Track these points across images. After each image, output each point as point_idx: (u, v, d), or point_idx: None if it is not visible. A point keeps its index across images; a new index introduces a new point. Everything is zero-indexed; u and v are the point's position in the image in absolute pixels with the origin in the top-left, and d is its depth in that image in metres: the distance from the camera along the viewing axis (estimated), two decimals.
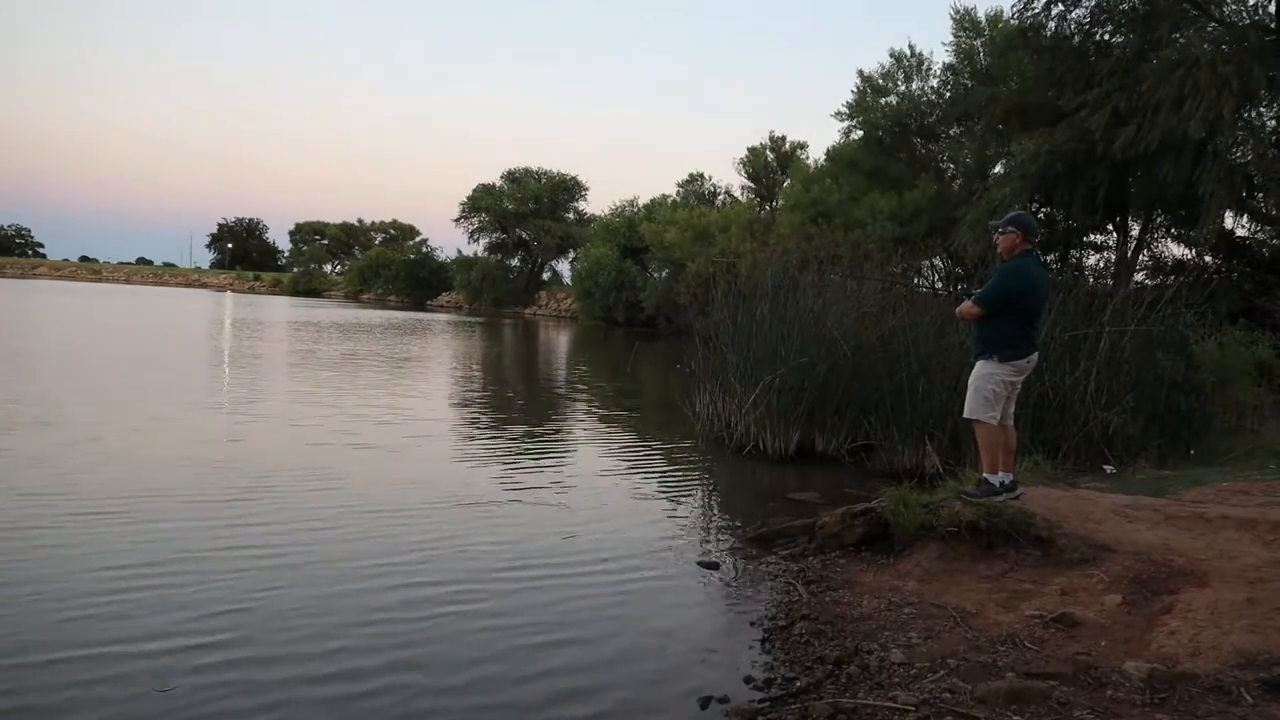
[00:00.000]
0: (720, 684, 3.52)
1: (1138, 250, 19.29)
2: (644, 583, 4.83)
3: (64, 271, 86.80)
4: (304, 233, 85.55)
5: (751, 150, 36.16)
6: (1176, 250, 20.07)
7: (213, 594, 4.31)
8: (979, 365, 4.95)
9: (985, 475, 4.96)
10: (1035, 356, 5.08)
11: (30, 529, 5.20)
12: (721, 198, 40.37)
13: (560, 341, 31.18)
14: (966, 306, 5.01)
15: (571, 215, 56.39)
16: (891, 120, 24.67)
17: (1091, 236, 21.24)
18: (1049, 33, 17.34)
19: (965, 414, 4.99)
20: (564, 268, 54.42)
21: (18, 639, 3.69)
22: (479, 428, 10.45)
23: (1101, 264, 21.41)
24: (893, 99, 24.91)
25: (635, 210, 43.46)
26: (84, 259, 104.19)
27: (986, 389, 4.88)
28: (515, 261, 57.14)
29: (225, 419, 9.63)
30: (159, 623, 3.92)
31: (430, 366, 17.85)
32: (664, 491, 7.24)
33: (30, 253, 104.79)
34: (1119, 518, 4.82)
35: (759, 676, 3.58)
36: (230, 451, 7.80)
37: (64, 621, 3.90)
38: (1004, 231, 5.03)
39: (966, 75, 22.19)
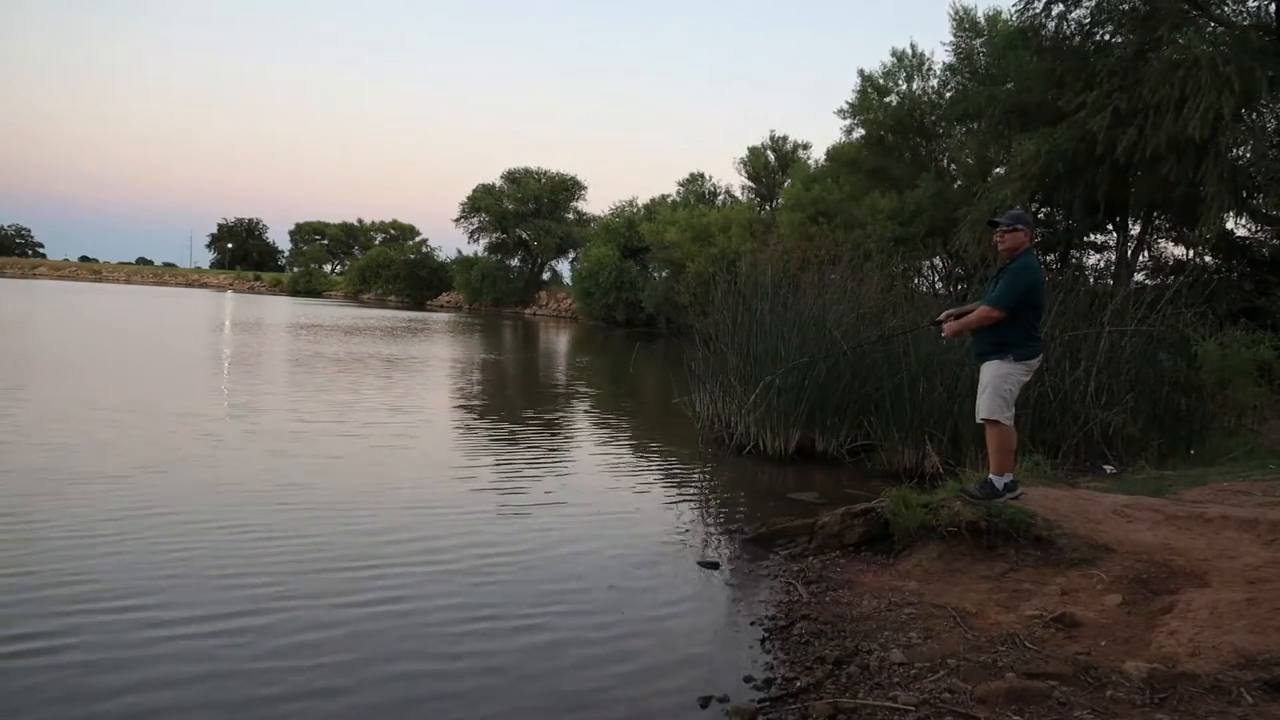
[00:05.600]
0: (720, 684, 3.51)
1: (1138, 250, 19.27)
2: (644, 583, 4.82)
3: (64, 271, 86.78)
4: (304, 233, 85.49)
5: (752, 150, 36.13)
6: (1176, 250, 20.09)
7: (221, 595, 4.31)
8: (993, 365, 4.87)
9: (991, 476, 4.94)
10: (1041, 355, 5.06)
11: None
12: (722, 197, 40.33)
13: (560, 342, 31.18)
14: (982, 313, 4.91)
15: (571, 215, 56.37)
16: (892, 120, 24.64)
17: (1091, 236, 21.22)
18: (1049, 33, 17.33)
19: (983, 415, 4.90)
20: (564, 268, 54.46)
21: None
22: (479, 428, 10.45)
23: (1102, 264, 21.40)
24: (894, 98, 24.88)
25: (635, 210, 43.47)
26: (84, 259, 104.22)
27: (1004, 389, 4.84)
28: (515, 261, 57.11)
29: (228, 423, 9.63)
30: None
31: (431, 367, 17.85)
32: (664, 491, 7.24)
33: (30, 253, 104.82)
34: (1119, 518, 4.82)
35: (759, 676, 3.58)
36: (238, 453, 7.81)
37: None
38: (1011, 229, 4.97)
39: (966, 75, 22.17)
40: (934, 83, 24.52)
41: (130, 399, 10.34)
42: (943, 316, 5.30)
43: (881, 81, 25.11)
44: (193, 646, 3.68)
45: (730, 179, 67.33)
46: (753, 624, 4.20)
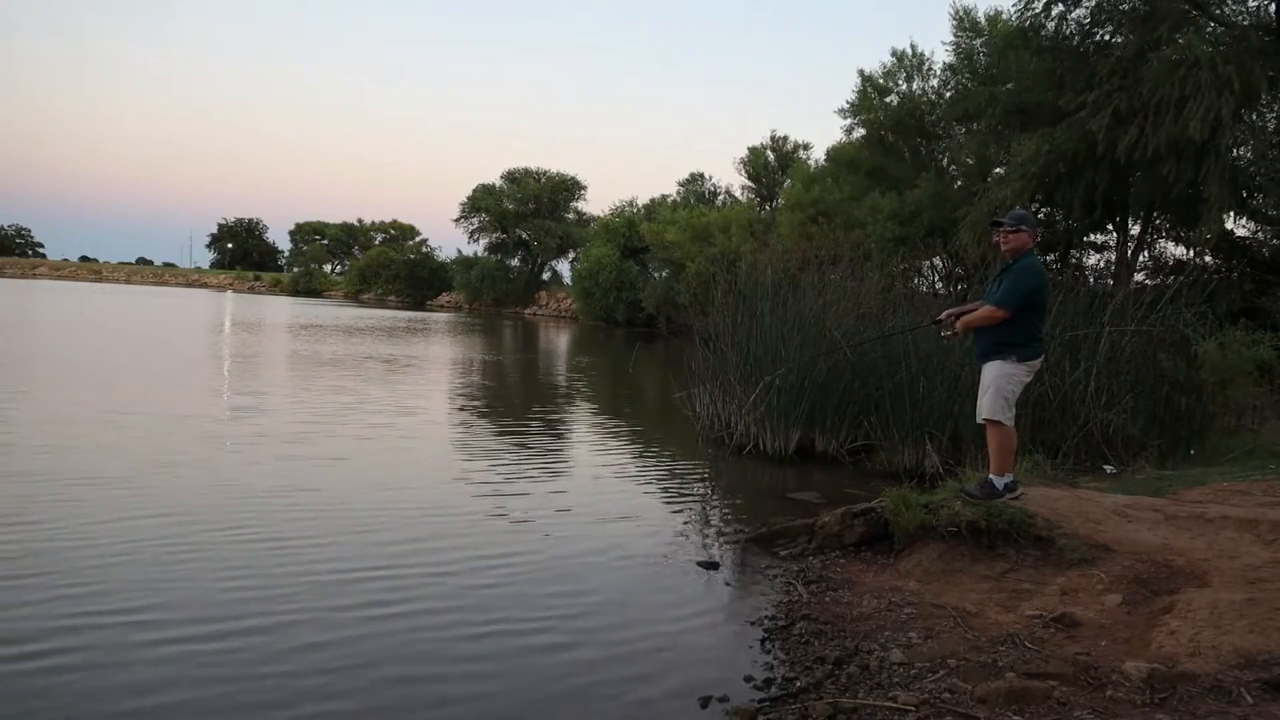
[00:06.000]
0: (720, 684, 3.51)
1: (1138, 250, 19.28)
2: (644, 583, 4.83)
3: (64, 271, 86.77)
4: (304, 233, 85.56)
5: (752, 150, 36.14)
6: (1176, 250, 20.09)
7: (218, 598, 4.32)
8: (995, 366, 4.87)
9: (991, 476, 4.94)
10: (1043, 355, 5.05)
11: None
12: (722, 197, 40.36)
13: (560, 342, 31.18)
14: (986, 312, 4.89)
15: (571, 215, 56.40)
16: (893, 120, 24.64)
17: (1091, 236, 21.23)
18: (1049, 33, 17.34)
19: (985, 415, 4.89)
20: (564, 268, 54.53)
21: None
22: (480, 430, 10.46)
23: (1102, 264, 21.41)
24: (894, 98, 24.89)
25: (635, 210, 43.50)
26: (84, 259, 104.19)
27: (1006, 390, 4.84)
28: (515, 261, 57.14)
29: (227, 423, 9.63)
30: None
31: (432, 368, 17.86)
32: (664, 491, 7.25)
33: (30, 253, 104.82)
34: (1119, 518, 4.82)
35: (759, 676, 3.58)
36: (241, 456, 7.80)
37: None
38: (1015, 230, 4.95)
39: (966, 75, 22.18)
40: (934, 83, 24.56)
41: (131, 400, 10.33)
42: (944, 315, 5.29)
43: (881, 81, 25.13)
44: (197, 656, 3.65)
45: (730, 179, 67.40)
46: (753, 624, 4.20)
